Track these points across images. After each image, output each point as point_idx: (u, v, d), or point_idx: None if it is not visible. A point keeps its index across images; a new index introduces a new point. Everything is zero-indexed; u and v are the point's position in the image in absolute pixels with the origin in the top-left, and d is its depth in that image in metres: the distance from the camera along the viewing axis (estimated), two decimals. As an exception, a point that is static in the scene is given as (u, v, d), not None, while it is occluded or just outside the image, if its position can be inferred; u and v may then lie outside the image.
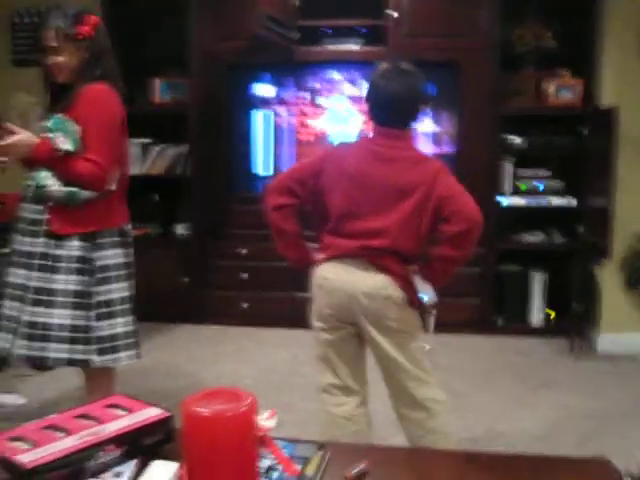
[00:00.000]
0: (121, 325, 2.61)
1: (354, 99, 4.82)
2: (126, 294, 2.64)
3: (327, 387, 2.38)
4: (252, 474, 1.18)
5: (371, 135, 2.37)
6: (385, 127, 2.30)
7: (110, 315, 2.58)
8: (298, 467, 1.37)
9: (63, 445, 1.31)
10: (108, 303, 2.58)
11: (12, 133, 2.48)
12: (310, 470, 1.39)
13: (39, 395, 3.60)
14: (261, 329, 4.81)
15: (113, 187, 2.60)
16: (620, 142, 4.16)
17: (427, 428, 2.30)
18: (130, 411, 1.49)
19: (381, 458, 1.47)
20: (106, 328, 2.57)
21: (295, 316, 4.80)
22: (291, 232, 2.34)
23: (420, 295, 2.29)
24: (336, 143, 2.53)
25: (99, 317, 2.55)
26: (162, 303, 4.98)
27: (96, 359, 2.56)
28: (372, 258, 2.21)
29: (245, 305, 4.91)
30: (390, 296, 2.21)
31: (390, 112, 2.28)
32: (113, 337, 2.58)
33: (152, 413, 1.49)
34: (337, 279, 2.24)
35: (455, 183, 2.26)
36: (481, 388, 3.79)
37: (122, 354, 2.62)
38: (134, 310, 2.69)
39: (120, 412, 1.49)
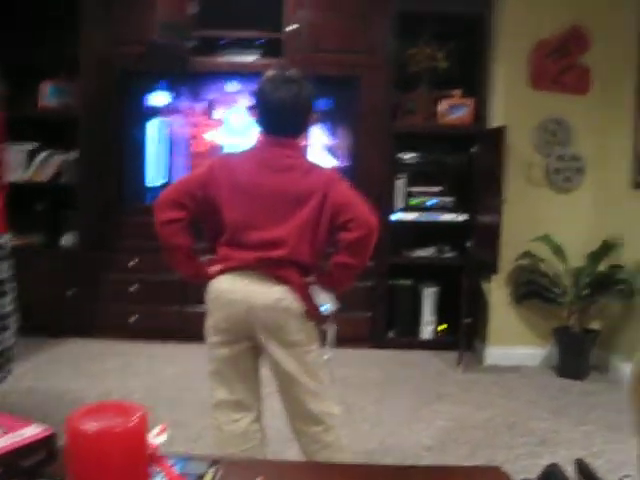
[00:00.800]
0: None
1: (250, 111, 4.78)
2: None
3: (220, 403, 2.31)
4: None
5: (259, 144, 2.32)
6: (273, 136, 2.26)
7: None
8: (190, 485, 1.31)
9: None
10: None
11: None
12: (202, 487, 1.33)
13: None
14: (150, 343, 4.69)
15: None
16: (508, 161, 4.31)
17: (323, 442, 2.27)
18: (7, 430, 1.38)
19: (276, 473, 1.43)
20: None
21: (185, 330, 4.72)
22: (183, 246, 2.25)
23: (320, 305, 2.26)
24: (224, 153, 2.45)
25: None
26: (46, 317, 4.77)
27: None
28: (270, 269, 2.16)
29: (134, 319, 4.75)
30: (289, 308, 2.18)
31: (277, 120, 2.25)
32: None
33: (32, 432, 1.39)
34: (234, 291, 2.18)
35: (349, 190, 2.24)
36: (374, 401, 3.80)
37: None
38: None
39: (-4, 431, 1.38)
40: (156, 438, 1.27)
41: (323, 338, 2.34)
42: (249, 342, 2.25)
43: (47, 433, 1.38)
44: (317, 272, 2.26)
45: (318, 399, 2.27)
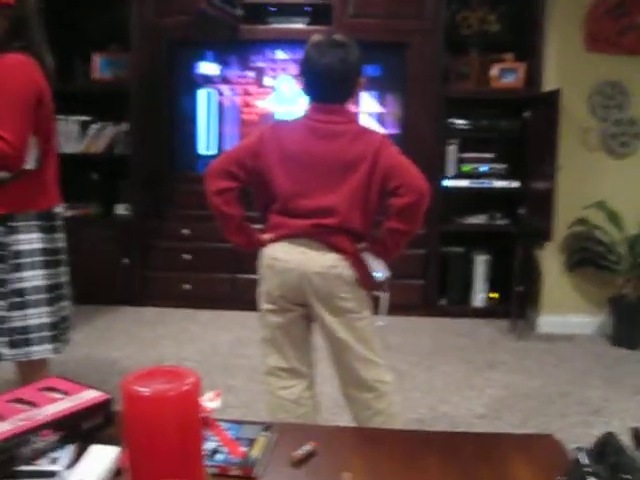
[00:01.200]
0: (34, 316, 2.38)
1: (297, 78, 4.76)
2: (41, 283, 2.39)
3: (273, 370, 2.33)
4: (197, 456, 1.13)
5: (308, 112, 2.28)
6: (321, 103, 2.23)
7: (22, 305, 2.36)
8: (243, 449, 1.33)
9: (-5, 430, 1.24)
10: (20, 292, 2.35)
11: None
12: (256, 451, 1.35)
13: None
14: (203, 311, 4.76)
15: (29, 166, 2.35)
16: (562, 126, 4.20)
17: (374, 409, 2.28)
18: (67, 394, 1.42)
19: (328, 439, 1.44)
20: (17, 319, 2.35)
21: (237, 298, 4.78)
22: (235, 216, 2.25)
23: (373, 273, 2.25)
24: (273, 121, 2.41)
25: (11, 307, 2.35)
26: (102, 285, 4.89)
27: (7, 352, 2.36)
28: (323, 236, 2.16)
29: (187, 286, 4.83)
30: (341, 275, 2.17)
31: (325, 86, 2.22)
32: (25, 329, 2.37)
33: (90, 396, 1.43)
34: (288, 259, 2.18)
35: (399, 155, 2.21)
36: (425, 369, 3.80)
37: (35, 348, 2.39)
38: (54, 300, 2.44)
39: (56, 395, 1.42)
40: (210, 402, 1.29)
41: (376, 305, 2.34)
42: (302, 309, 2.26)
43: (104, 398, 1.42)
44: (369, 239, 2.26)
45: (370, 366, 2.27)
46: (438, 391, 3.49)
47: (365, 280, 2.23)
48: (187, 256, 4.81)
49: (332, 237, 2.16)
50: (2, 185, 2.31)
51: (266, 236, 2.25)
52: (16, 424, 1.27)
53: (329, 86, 2.21)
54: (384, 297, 2.36)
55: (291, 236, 2.19)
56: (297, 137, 2.22)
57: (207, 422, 1.21)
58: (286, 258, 2.18)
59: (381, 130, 4.74)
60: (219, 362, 3.84)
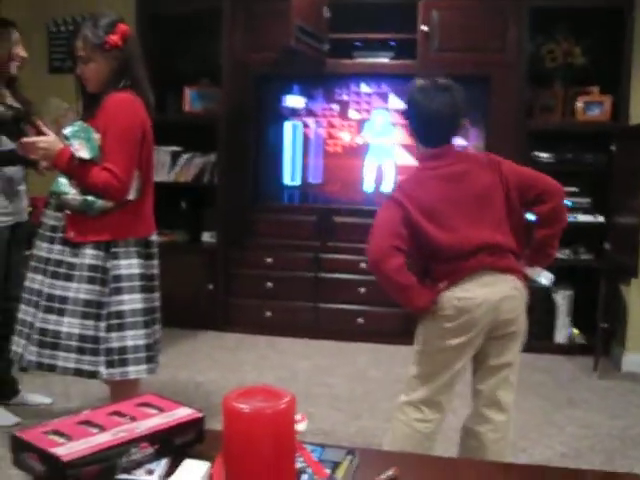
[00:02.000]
0: (131, 338, 2.53)
1: (386, 112, 4.85)
2: (138, 306, 2.56)
3: (416, 402, 2.35)
4: (290, 472, 1.19)
5: (425, 160, 2.36)
6: (434, 147, 2.32)
7: (120, 327, 2.51)
8: (328, 471, 1.38)
9: (98, 440, 1.33)
10: (119, 314, 2.51)
11: (41, 133, 2.53)
12: (339, 474, 1.40)
13: (64, 395, 3.63)
14: (283, 338, 4.84)
15: (131, 197, 2.56)
16: (649, 160, 4.14)
17: (504, 432, 2.35)
18: (162, 410, 1.51)
19: (411, 464, 1.48)
20: (115, 340, 2.51)
21: (318, 327, 4.85)
22: (415, 282, 2.28)
23: (542, 281, 2.43)
24: (397, 185, 2.47)
25: (109, 328, 2.50)
26: (187, 309, 5.04)
27: (104, 371, 2.51)
28: (494, 265, 2.24)
29: (269, 314, 4.93)
30: (522, 293, 2.31)
31: (438, 130, 2.30)
32: (122, 350, 2.52)
33: (184, 413, 1.51)
34: (473, 296, 2.23)
35: (517, 165, 2.36)
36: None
37: (130, 368, 2.54)
38: (149, 323, 2.61)
39: (152, 411, 1.51)
40: (297, 425, 1.35)
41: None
42: (479, 343, 2.31)
43: (197, 415, 1.50)
44: (525, 254, 2.37)
45: (512, 389, 2.37)
46: (517, 428, 3.40)
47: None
48: (269, 284, 4.91)
49: (502, 261, 2.25)
50: (107, 213, 2.49)
51: (442, 284, 2.28)
52: (117, 435, 1.36)
53: (441, 130, 2.31)
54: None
55: (468, 276, 2.25)
56: (430, 189, 2.29)
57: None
58: (471, 295, 2.24)
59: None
60: (299, 389, 3.88)
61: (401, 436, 2.37)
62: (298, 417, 1.39)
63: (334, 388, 3.91)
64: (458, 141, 2.46)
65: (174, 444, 1.44)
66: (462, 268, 2.24)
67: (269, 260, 4.91)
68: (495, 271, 2.24)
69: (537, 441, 3.27)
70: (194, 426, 1.49)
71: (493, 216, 2.26)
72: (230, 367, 4.26)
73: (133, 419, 1.45)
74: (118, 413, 1.48)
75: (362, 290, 4.75)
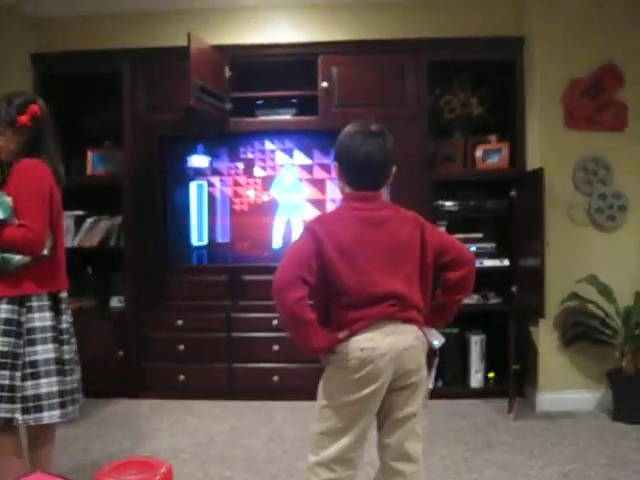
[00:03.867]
0: (45, 385, 2.72)
1: (293, 168, 4.87)
2: (51, 355, 2.74)
3: (328, 462, 2.26)
4: None
5: (349, 201, 2.34)
6: (362, 190, 2.30)
7: (34, 376, 2.70)
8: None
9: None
10: (33, 364, 2.70)
11: None
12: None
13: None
14: (199, 401, 4.72)
15: (46, 252, 2.74)
16: (548, 202, 4.27)
17: None
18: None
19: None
20: (30, 388, 2.69)
21: (233, 387, 4.75)
22: (314, 320, 2.22)
23: (434, 342, 2.36)
24: (315, 218, 2.40)
25: (24, 377, 2.69)
26: (98, 377, 4.83)
27: (19, 417, 2.67)
28: (398, 314, 2.22)
29: (182, 377, 4.80)
30: (423, 343, 2.28)
31: (367, 174, 2.29)
32: (36, 397, 2.70)
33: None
34: (376, 346, 2.19)
35: (438, 230, 2.42)
36: (424, 452, 3.72)
37: (45, 414, 2.72)
38: (61, 371, 2.79)
39: (37, 491, 1.42)
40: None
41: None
42: (381, 396, 2.25)
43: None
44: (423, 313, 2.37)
45: (418, 439, 2.32)
46: (437, 475, 3.42)
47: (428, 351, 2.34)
48: (182, 347, 4.80)
49: (406, 312, 2.24)
50: (22, 269, 2.68)
51: (342, 333, 2.23)
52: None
53: (371, 174, 2.29)
54: (436, 362, 2.47)
55: (373, 324, 2.21)
56: (350, 228, 2.26)
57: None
58: (374, 345, 2.20)
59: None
60: (215, 453, 3.78)
61: None
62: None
63: (251, 450, 3.81)
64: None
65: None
66: (366, 316, 2.21)
67: (180, 322, 4.81)
68: (398, 321, 2.23)
69: (456, 488, 3.26)
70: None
71: (405, 269, 2.26)
72: (144, 435, 4.11)
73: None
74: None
75: (276, 347, 4.69)
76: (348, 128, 2.33)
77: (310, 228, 2.27)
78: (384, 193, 2.39)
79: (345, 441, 2.25)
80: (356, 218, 2.27)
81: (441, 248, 2.31)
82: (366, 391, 2.21)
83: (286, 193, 4.90)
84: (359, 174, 2.30)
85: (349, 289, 2.21)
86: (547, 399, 4.47)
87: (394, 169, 2.36)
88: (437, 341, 2.38)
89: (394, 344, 2.21)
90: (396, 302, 2.22)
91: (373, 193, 2.31)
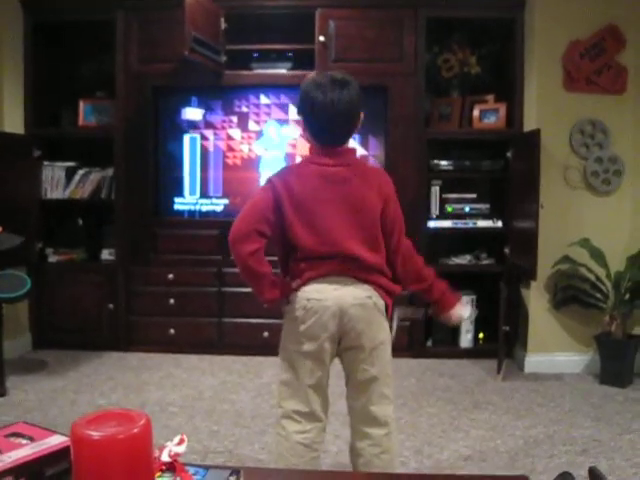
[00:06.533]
0: None
1: (283, 123, 4.81)
2: None
3: (291, 413, 2.27)
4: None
5: (313, 155, 2.25)
6: (327, 145, 2.21)
7: None
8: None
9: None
10: None
11: None
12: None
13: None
14: (188, 355, 4.74)
15: None
16: (544, 165, 4.24)
17: (384, 446, 2.26)
18: (32, 439, 1.40)
19: (296, 481, 1.42)
20: None
21: (222, 342, 4.76)
22: (268, 273, 2.22)
23: (465, 317, 2.48)
24: (279, 170, 2.39)
25: None
26: (87, 330, 4.89)
27: None
28: (352, 272, 2.18)
29: (172, 331, 4.81)
30: (376, 304, 2.20)
31: (332, 127, 2.18)
32: None
33: (56, 441, 1.40)
34: (323, 297, 2.17)
35: (399, 211, 2.31)
36: (410, 411, 3.77)
37: None
38: None
39: (22, 441, 1.40)
40: (176, 447, 1.28)
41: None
42: (332, 350, 2.24)
43: (67, 443, 1.40)
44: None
45: (387, 402, 2.28)
46: (423, 433, 3.45)
47: (389, 311, 2.27)
48: (172, 301, 4.79)
49: (360, 272, 2.19)
50: None
51: (295, 283, 2.23)
52: (-24, 471, 1.25)
53: (335, 127, 2.19)
54: (397, 316, 2.48)
55: (322, 276, 2.19)
56: (309, 184, 2.20)
57: (174, 467, 1.20)
58: (321, 297, 2.18)
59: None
60: (203, 407, 3.80)
61: (283, 450, 2.29)
62: (176, 440, 1.32)
63: (239, 404, 3.83)
64: (356, 147, 2.35)
65: (44, 475, 1.34)
66: (319, 267, 2.18)
67: (171, 276, 4.79)
68: (351, 278, 2.19)
69: (443, 446, 3.28)
70: (67, 454, 1.38)
71: (365, 231, 2.19)
72: (133, 388, 4.12)
73: (-1, 451, 1.34)
74: (-19, 446, 1.37)
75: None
76: (311, 77, 2.21)
77: (270, 181, 2.24)
78: (352, 143, 2.32)
79: (302, 393, 2.25)
80: (317, 174, 2.20)
81: (392, 227, 2.26)
82: (313, 343, 2.21)
83: (272, 149, 4.84)
84: (323, 128, 2.19)
85: (304, 244, 2.19)
86: (535, 361, 4.50)
87: (361, 118, 2.24)
88: (466, 314, 2.47)
89: (340, 298, 2.17)
90: (350, 261, 2.17)
91: (339, 148, 2.22)
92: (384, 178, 2.29)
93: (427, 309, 2.33)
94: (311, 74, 2.24)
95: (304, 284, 2.20)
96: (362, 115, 2.24)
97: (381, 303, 2.22)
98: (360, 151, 4.75)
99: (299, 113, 2.26)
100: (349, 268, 2.18)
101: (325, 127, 2.19)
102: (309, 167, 2.24)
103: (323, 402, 2.30)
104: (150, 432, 1.07)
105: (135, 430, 1.05)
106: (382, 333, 2.24)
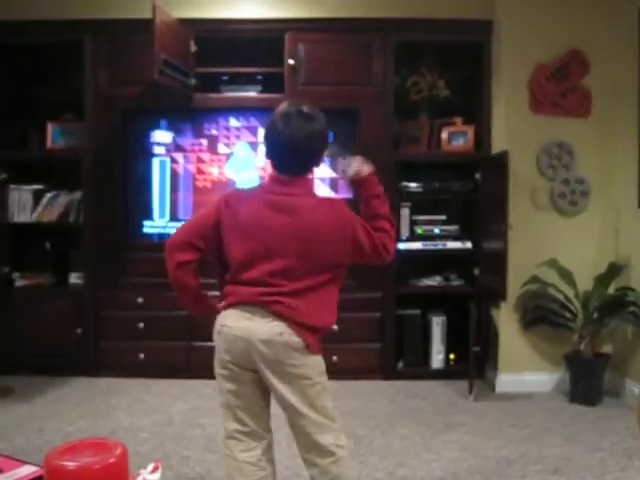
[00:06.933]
0: None
1: (253, 145, 4.81)
2: None
3: (232, 433, 2.28)
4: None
5: (266, 182, 2.30)
6: (281, 174, 2.23)
7: None
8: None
9: None
10: None
11: None
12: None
13: None
14: (158, 380, 4.67)
15: None
16: (512, 186, 4.28)
17: (332, 474, 2.23)
18: (1, 471, 1.38)
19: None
20: None
21: (193, 366, 4.71)
22: (193, 287, 2.28)
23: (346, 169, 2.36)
24: (231, 190, 2.41)
25: None
26: (55, 355, 4.81)
27: None
28: (269, 304, 2.16)
29: (142, 356, 4.74)
30: (287, 342, 2.15)
31: (287, 158, 2.21)
32: None
33: (26, 472, 1.38)
34: (235, 326, 2.17)
35: (366, 237, 2.26)
36: (384, 432, 3.76)
37: None
38: None
39: (-11, 472, 1.37)
40: (150, 475, 1.26)
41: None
42: (252, 375, 2.23)
43: (39, 473, 1.38)
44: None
45: (325, 430, 2.23)
46: (396, 455, 3.44)
47: (315, 345, 2.21)
48: (141, 325, 4.74)
49: (278, 306, 2.15)
50: None
51: (220, 305, 2.27)
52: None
53: (291, 159, 2.21)
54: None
55: (239, 304, 2.19)
56: (253, 208, 2.22)
57: (146, 495, 1.18)
58: (233, 325, 2.18)
59: (333, 194, 4.78)
60: (174, 433, 3.75)
61: (231, 471, 2.28)
62: (150, 467, 1.30)
63: (209, 429, 3.78)
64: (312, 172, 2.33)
65: (14, 507, 1.31)
66: (239, 293, 2.19)
67: (140, 300, 4.74)
68: (267, 311, 2.15)
69: (416, 468, 3.27)
70: (38, 485, 1.37)
71: (306, 263, 2.16)
72: (102, 414, 4.05)
73: (-35, 483, 1.31)
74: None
75: (238, 326, 4.66)
76: (280, 107, 2.23)
77: (219, 199, 2.28)
78: (309, 179, 2.31)
79: (236, 414, 2.27)
80: (265, 201, 2.21)
81: (365, 247, 2.24)
82: (225, 369, 2.23)
83: (241, 171, 4.83)
84: (280, 157, 2.23)
85: (233, 264, 2.21)
86: (506, 380, 4.52)
87: (324, 153, 2.26)
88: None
89: (251, 331, 2.15)
90: (271, 290, 2.15)
91: (292, 178, 2.22)
92: (338, 205, 2.28)
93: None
94: (285, 102, 2.26)
95: (224, 308, 2.23)
96: (325, 149, 2.26)
97: (295, 340, 2.16)
98: (330, 174, 4.77)
99: (263, 139, 2.29)
100: (266, 300, 2.15)
101: (281, 156, 2.23)
102: (259, 192, 2.28)
103: (260, 421, 2.30)
104: (126, 461, 1.06)
105: (111, 460, 1.03)
106: (300, 369, 2.18)
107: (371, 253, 2.26)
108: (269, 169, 2.30)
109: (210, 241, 2.23)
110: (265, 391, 2.29)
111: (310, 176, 2.32)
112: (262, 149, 2.20)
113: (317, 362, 2.24)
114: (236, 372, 2.22)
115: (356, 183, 2.38)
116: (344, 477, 2.25)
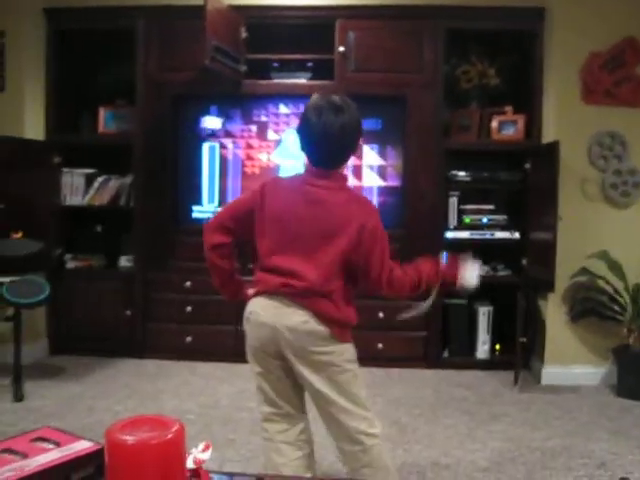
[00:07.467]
0: None
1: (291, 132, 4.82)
2: None
3: (268, 415, 2.34)
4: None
5: (305, 172, 2.30)
6: (316, 167, 2.24)
7: None
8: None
9: (-18, 481, 1.24)
10: None
11: None
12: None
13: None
14: (205, 363, 4.74)
15: None
16: (562, 177, 4.22)
17: (362, 462, 2.26)
18: (58, 444, 1.41)
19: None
20: None
21: (240, 350, 4.72)
22: (226, 269, 2.34)
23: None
24: (271, 178, 2.42)
25: None
26: (104, 337, 4.91)
27: None
28: (294, 296, 2.19)
29: (189, 339, 4.82)
30: (313, 330, 2.18)
31: (321, 151, 2.22)
32: None
33: (82, 446, 1.41)
34: (262, 313, 2.22)
35: (377, 248, 2.22)
36: (427, 421, 3.76)
37: None
38: None
39: (48, 445, 1.41)
40: (200, 454, 1.29)
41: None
42: (279, 362, 2.27)
43: (96, 448, 1.41)
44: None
45: (354, 418, 2.26)
46: (440, 444, 3.44)
47: (342, 334, 2.23)
48: (189, 308, 4.81)
49: (303, 299, 2.18)
50: None
51: (250, 291, 2.31)
52: (4, 475, 1.26)
53: (325, 152, 2.23)
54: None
55: (268, 292, 2.22)
56: (287, 198, 2.25)
57: (198, 474, 1.20)
58: (261, 312, 2.23)
59: (381, 182, 4.78)
60: (220, 415, 3.81)
61: (269, 452, 2.34)
62: (201, 446, 1.33)
63: (255, 412, 3.80)
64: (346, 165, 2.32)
65: (71, 480, 1.35)
66: (268, 281, 2.22)
67: (188, 284, 4.81)
68: (293, 301, 2.18)
69: (461, 457, 3.27)
70: (93, 460, 1.40)
71: (323, 256, 2.17)
72: (149, 395, 4.14)
73: (25, 456, 1.35)
74: (9, 450, 1.37)
75: (284, 311, 4.69)
76: (311, 100, 2.24)
77: (260, 185, 2.31)
78: (343, 173, 2.32)
79: (269, 397, 2.32)
80: (300, 191, 2.23)
81: (365, 260, 2.20)
82: (254, 354, 2.29)
83: (289, 158, 4.85)
84: (314, 151, 2.24)
85: (263, 252, 2.24)
86: (552, 372, 4.48)
87: (357, 144, 2.27)
88: (472, 278, 2.47)
89: (277, 319, 2.19)
90: (296, 282, 2.17)
91: (327, 171, 2.23)
92: (368, 208, 2.27)
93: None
94: (315, 95, 2.27)
95: (254, 295, 2.27)
96: (358, 141, 2.27)
97: (320, 329, 2.18)
98: (378, 161, 4.77)
99: (297, 131, 2.29)
100: (291, 290, 2.18)
101: (314, 149, 2.24)
102: (296, 182, 2.29)
103: (293, 403, 2.34)
104: (183, 438, 1.09)
105: (169, 436, 1.06)
106: (327, 356, 2.21)
107: (371, 272, 2.21)
108: (306, 160, 2.30)
109: (244, 226, 2.26)
110: (294, 375, 2.32)
111: (345, 169, 2.34)
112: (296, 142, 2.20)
113: (345, 349, 2.26)
114: (265, 358, 2.27)
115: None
116: (374, 465, 2.28)
